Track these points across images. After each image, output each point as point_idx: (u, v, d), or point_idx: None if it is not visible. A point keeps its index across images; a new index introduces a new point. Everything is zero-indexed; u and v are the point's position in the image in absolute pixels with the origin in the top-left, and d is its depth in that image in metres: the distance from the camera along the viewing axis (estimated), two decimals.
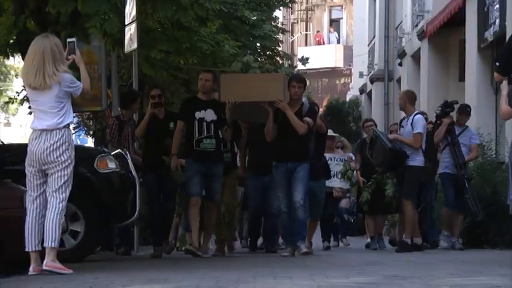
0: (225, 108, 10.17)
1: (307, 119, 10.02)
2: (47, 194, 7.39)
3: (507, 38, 14.08)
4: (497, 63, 7.47)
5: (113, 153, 10.11)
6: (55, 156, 7.32)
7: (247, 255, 10.79)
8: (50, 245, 7.20)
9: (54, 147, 7.32)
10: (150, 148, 10.87)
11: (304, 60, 16.44)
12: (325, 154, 12.13)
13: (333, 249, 13.79)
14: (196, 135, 10.18)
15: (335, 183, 13.01)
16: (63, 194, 7.38)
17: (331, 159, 13.07)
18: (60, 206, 7.36)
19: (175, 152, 10.22)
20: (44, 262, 7.18)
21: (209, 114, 10.22)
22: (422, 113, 12.24)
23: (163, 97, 11.15)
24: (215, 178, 10.30)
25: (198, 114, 10.20)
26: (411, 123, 11.21)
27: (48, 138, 7.33)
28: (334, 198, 13.00)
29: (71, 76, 7.46)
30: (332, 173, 12.88)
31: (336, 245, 14.63)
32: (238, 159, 11.80)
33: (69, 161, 7.41)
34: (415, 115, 11.38)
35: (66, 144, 7.39)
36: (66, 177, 7.39)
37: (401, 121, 11.98)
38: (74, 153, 7.47)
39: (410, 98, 11.70)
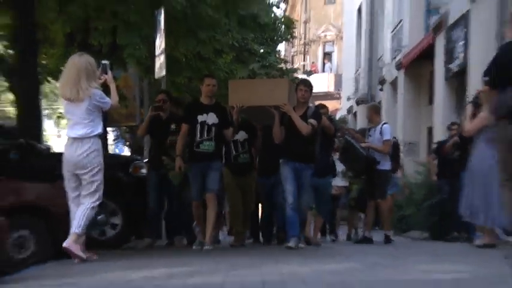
0: (231, 112, 9.20)
1: (312, 120, 8.88)
2: (81, 196, 7.23)
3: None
4: (486, 78, 6.88)
5: (144, 160, 10.24)
6: (85, 162, 7.13)
7: (257, 246, 10.23)
8: (73, 230, 7.07)
9: (85, 154, 7.13)
10: (153, 148, 10.00)
11: (309, 73, 16.27)
12: None
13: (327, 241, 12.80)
14: (198, 137, 8.97)
15: (336, 181, 11.58)
16: (94, 197, 7.18)
17: (335, 160, 11.52)
18: (91, 205, 7.17)
19: (180, 154, 9.00)
20: (65, 241, 7.06)
21: (211, 118, 9.01)
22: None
23: (167, 102, 9.95)
24: (211, 170, 8.94)
25: (200, 118, 9.00)
26: (380, 132, 10.68)
27: (79, 146, 7.15)
28: (333, 196, 11.48)
29: (101, 92, 7.27)
30: None
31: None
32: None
33: (99, 167, 7.20)
34: (383, 124, 10.85)
35: (95, 152, 7.17)
36: (98, 182, 7.19)
37: (368, 130, 11.08)
38: (102, 159, 7.23)
39: (375, 110, 11.27)
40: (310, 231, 10.35)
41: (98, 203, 7.27)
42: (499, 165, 6.80)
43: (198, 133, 8.96)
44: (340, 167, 11.50)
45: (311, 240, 9.82)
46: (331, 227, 12.78)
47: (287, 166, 8.83)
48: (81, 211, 7.15)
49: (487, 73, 6.81)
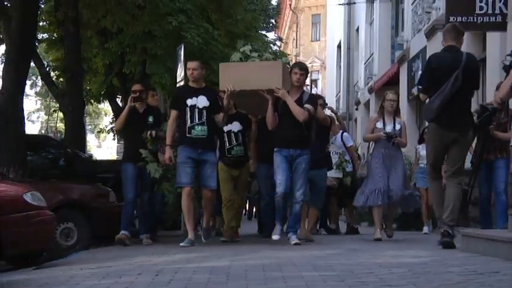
0: (222, 96, 7.23)
1: (308, 106, 6.97)
2: None
3: None
4: (420, 87, 6.21)
5: None
6: None
7: (255, 236, 9.58)
8: None
9: None
10: (130, 141, 7.84)
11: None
12: None
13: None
14: (188, 122, 7.03)
15: (331, 173, 9.25)
16: None
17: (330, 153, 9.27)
18: None
19: (169, 143, 7.07)
20: None
21: (201, 101, 7.07)
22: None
23: (144, 92, 7.86)
24: (208, 164, 7.08)
25: (189, 102, 7.05)
26: (341, 139, 9.85)
27: None
28: (327, 188, 8.98)
29: None
30: None
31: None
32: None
33: None
34: (342, 133, 10.02)
35: None
36: None
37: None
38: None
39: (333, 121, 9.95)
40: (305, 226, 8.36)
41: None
42: (428, 162, 6.38)
43: (189, 118, 7.05)
44: (334, 159, 9.54)
45: (308, 237, 7.94)
46: (324, 219, 10.77)
47: (280, 155, 6.98)
48: None
49: (419, 82, 6.28)
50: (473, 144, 7.65)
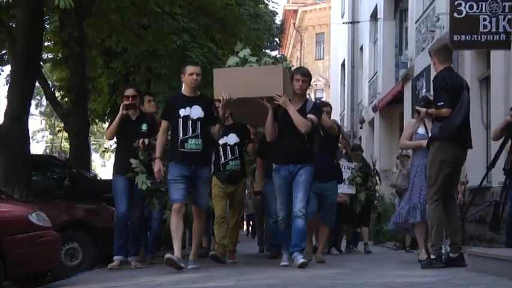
0: (216, 106, 6.47)
1: (311, 116, 6.27)
2: None
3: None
4: (442, 103, 5.86)
5: None
6: None
7: (262, 256, 9.67)
8: None
9: None
10: (120, 150, 7.09)
11: None
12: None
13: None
14: (181, 135, 6.26)
15: (343, 189, 8.56)
16: None
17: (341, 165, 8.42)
18: None
19: (159, 155, 6.34)
20: None
21: (195, 112, 6.31)
22: None
23: (137, 98, 7.09)
24: (201, 181, 6.36)
25: (182, 112, 6.29)
26: None
27: None
28: (338, 205, 8.01)
29: None
30: None
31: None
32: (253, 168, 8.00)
33: None
34: None
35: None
36: None
37: None
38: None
39: None
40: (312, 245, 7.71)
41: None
42: (429, 183, 6.05)
43: (181, 130, 6.30)
44: (346, 173, 8.82)
45: (319, 258, 7.37)
46: (335, 238, 9.87)
47: (279, 174, 6.34)
48: None
49: (441, 99, 5.90)
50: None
